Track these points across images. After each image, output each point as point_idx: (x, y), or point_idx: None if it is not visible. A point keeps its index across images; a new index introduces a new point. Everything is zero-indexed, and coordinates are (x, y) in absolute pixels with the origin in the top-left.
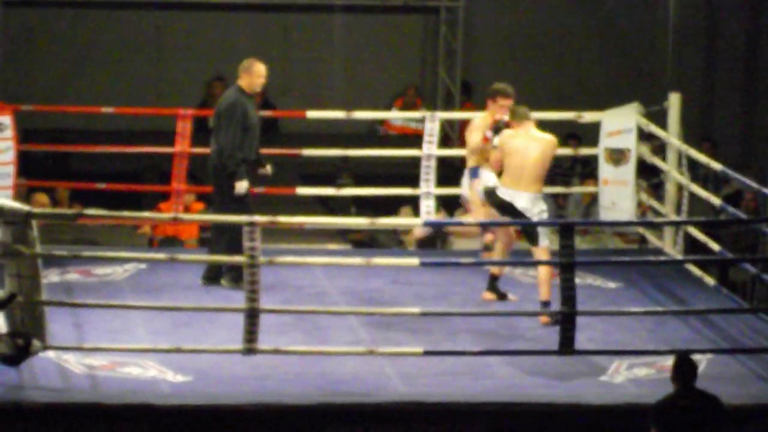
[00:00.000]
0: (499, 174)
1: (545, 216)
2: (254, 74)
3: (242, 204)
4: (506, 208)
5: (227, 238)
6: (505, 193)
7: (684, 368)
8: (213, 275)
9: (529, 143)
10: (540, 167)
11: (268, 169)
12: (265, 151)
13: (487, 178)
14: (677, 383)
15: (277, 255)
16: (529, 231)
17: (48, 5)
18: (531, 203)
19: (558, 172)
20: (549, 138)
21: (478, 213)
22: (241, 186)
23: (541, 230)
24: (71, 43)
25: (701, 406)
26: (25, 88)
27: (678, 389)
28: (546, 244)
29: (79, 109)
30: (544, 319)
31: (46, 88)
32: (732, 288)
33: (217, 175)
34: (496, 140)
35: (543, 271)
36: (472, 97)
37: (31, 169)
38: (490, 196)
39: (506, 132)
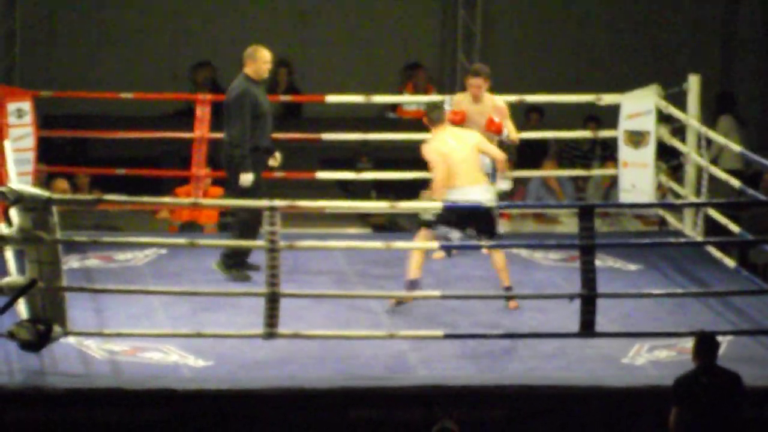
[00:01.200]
0: None
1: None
2: (259, 60)
3: (251, 195)
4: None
5: (238, 226)
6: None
7: (706, 345)
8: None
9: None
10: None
11: (277, 157)
12: (283, 135)
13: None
14: (699, 360)
15: (297, 239)
16: (485, 225)
17: None
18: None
19: (577, 154)
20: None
21: None
22: (246, 178)
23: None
24: (89, 29)
25: (722, 382)
26: (43, 74)
27: (699, 366)
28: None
29: (97, 94)
30: (513, 303)
31: (64, 74)
32: (752, 269)
33: (227, 165)
34: None
35: (501, 260)
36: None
37: (50, 155)
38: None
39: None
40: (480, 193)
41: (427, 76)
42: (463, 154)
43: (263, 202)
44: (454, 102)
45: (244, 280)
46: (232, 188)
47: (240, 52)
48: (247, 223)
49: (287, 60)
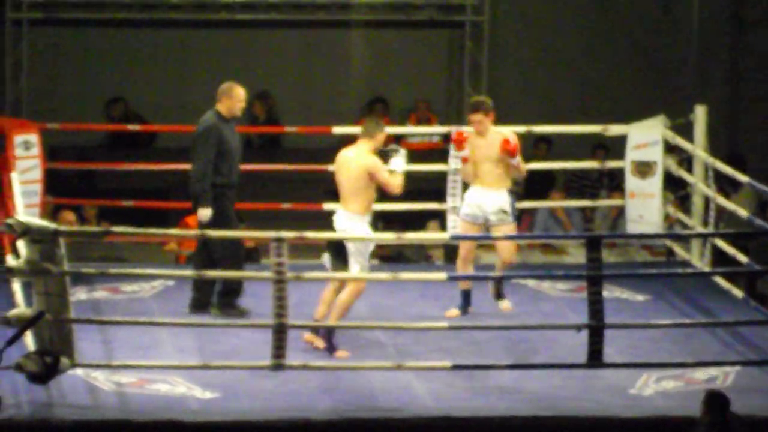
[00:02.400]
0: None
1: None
2: (234, 98)
3: (216, 229)
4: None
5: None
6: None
7: (715, 403)
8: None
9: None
10: (349, 185)
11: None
12: (293, 167)
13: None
14: (708, 417)
15: (304, 270)
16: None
17: (73, 24)
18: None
19: (586, 184)
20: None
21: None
22: (203, 213)
23: (352, 252)
24: (96, 60)
25: None
26: (51, 106)
27: (708, 424)
28: (356, 269)
29: (104, 126)
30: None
31: (71, 106)
32: (760, 300)
33: (193, 199)
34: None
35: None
36: (389, 112)
37: (58, 187)
38: None
39: None
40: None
41: (428, 108)
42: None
43: (270, 234)
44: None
45: (242, 315)
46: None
47: (248, 84)
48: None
49: (267, 92)
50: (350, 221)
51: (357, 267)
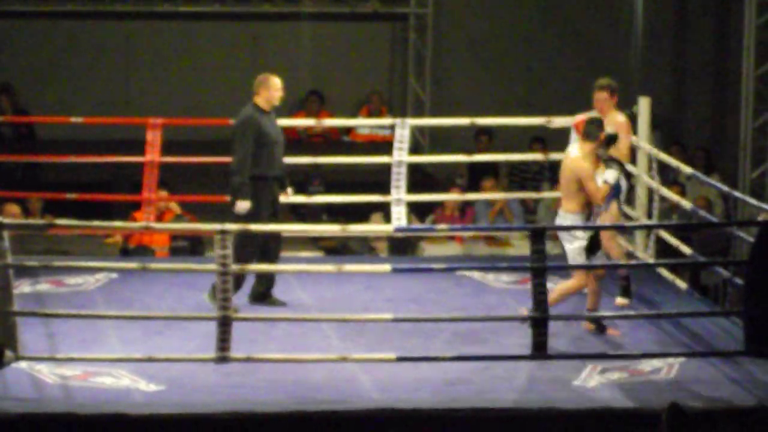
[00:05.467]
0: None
1: (569, 242)
2: (271, 88)
3: (250, 222)
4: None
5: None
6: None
7: (676, 419)
8: (259, 293)
9: (564, 163)
10: (564, 186)
11: (289, 192)
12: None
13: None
14: None
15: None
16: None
17: (16, 16)
18: (560, 222)
19: (526, 177)
20: (574, 158)
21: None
22: (242, 206)
23: (570, 253)
24: (40, 53)
25: None
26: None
27: None
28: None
29: (48, 119)
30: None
31: (15, 99)
32: (704, 291)
33: (231, 191)
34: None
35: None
36: (325, 104)
37: (1, 180)
38: None
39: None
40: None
41: (381, 100)
42: (563, 177)
43: (214, 226)
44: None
45: (279, 305)
46: (231, 215)
47: (194, 77)
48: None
49: (9, 84)
50: (563, 221)
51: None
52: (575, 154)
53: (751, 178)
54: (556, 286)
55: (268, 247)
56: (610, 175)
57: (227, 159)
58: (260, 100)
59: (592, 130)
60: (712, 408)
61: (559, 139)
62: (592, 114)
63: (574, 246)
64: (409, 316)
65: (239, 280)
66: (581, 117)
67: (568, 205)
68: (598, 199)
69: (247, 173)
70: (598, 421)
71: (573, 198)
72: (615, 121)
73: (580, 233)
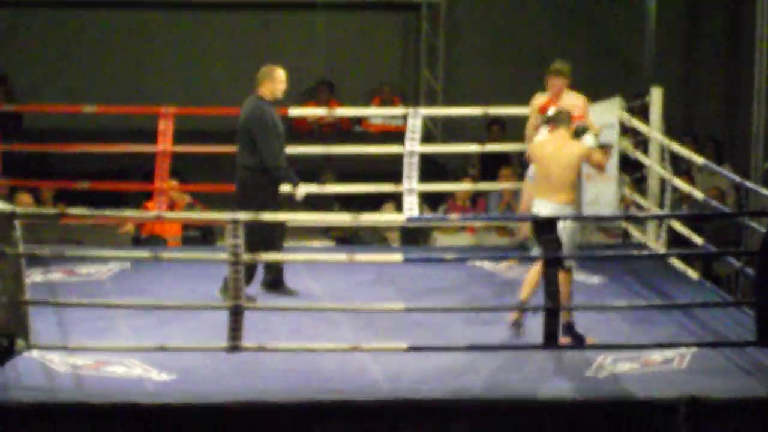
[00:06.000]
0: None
1: (566, 233)
2: (276, 80)
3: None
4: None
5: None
6: (535, 205)
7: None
8: (270, 281)
9: (553, 152)
10: (563, 176)
11: (300, 191)
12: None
13: None
14: None
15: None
16: (548, 245)
17: (27, 5)
18: (555, 213)
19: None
20: (571, 147)
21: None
22: (300, 192)
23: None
24: (51, 42)
25: None
26: (5, 87)
27: None
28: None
29: (60, 108)
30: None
31: (27, 88)
32: (715, 282)
33: (245, 188)
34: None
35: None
36: (334, 94)
37: (13, 169)
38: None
39: (536, 139)
40: (549, 210)
41: (393, 90)
42: (558, 166)
43: (226, 215)
44: (532, 108)
45: (291, 293)
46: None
47: (207, 66)
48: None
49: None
50: (562, 213)
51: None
52: (555, 145)
53: (764, 169)
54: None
55: (272, 238)
56: (590, 139)
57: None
58: (265, 92)
59: (564, 116)
60: (723, 398)
61: None
62: (546, 96)
63: (569, 235)
64: (420, 306)
65: (251, 271)
66: (540, 98)
67: (563, 196)
68: (605, 164)
69: (284, 163)
70: (610, 411)
71: (569, 188)
72: (572, 102)
73: (570, 222)
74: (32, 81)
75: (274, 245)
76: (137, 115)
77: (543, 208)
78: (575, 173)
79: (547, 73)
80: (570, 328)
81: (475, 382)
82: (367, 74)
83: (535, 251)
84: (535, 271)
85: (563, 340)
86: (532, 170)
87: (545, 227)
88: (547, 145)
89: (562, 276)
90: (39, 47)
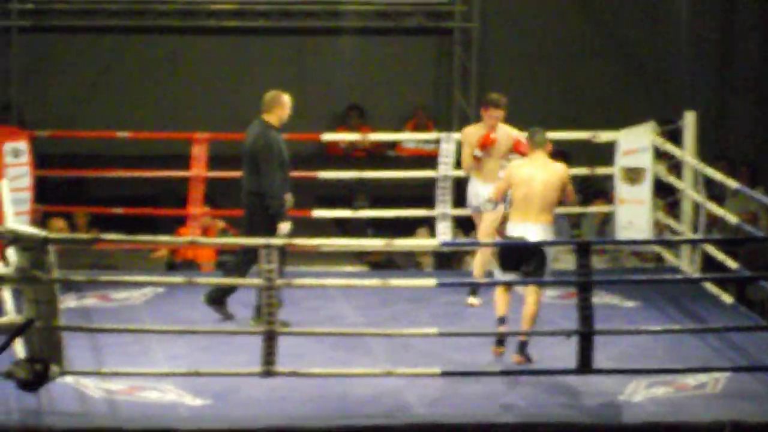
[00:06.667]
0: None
1: (551, 255)
2: (285, 106)
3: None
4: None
5: (234, 265)
6: (515, 228)
7: None
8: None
9: (536, 172)
10: (547, 197)
11: (289, 199)
12: None
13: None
14: None
15: (294, 277)
16: (534, 268)
17: (63, 30)
18: (543, 235)
19: None
20: (557, 167)
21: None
22: (286, 227)
23: (548, 270)
24: (85, 68)
25: None
26: (40, 113)
27: None
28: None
29: (94, 134)
30: (516, 358)
31: (61, 114)
32: (749, 306)
33: (253, 214)
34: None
35: (531, 309)
36: (365, 119)
37: (47, 195)
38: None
39: (514, 162)
40: (538, 232)
41: (427, 115)
42: (539, 188)
43: (260, 241)
44: (466, 138)
45: (226, 317)
46: (257, 235)
47: (240, 92)
48: (240, 264)
49: None
50: (545, 234)
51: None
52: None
53: None
54: (524, 315)
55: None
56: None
57: None
58: (272, 118)
59: (542, 137)
60: (757, 423)
61: (584, 154)
62: (480, 127)
63: (552, 256)
64: (454, 331)
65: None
66: (473, 129)
67: (547, 216)
68: (574, 198)
69: (282, 193)
70: None
71: (551, 209)
72: (509, 134)
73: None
74: (67, 107)
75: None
76: (171, 140)
77: (528, 230)
78: (558, 194)
79: (486, 104)
80: (524, 347)
81: (511, 407)
82: (399, 99)
83: (498, 275)
84: (503, 295)
85: (517, 358)
86: (468, 202)
87: (536, 252)
88: (525, 167)
89: (534, 295)
90: (73, 73)
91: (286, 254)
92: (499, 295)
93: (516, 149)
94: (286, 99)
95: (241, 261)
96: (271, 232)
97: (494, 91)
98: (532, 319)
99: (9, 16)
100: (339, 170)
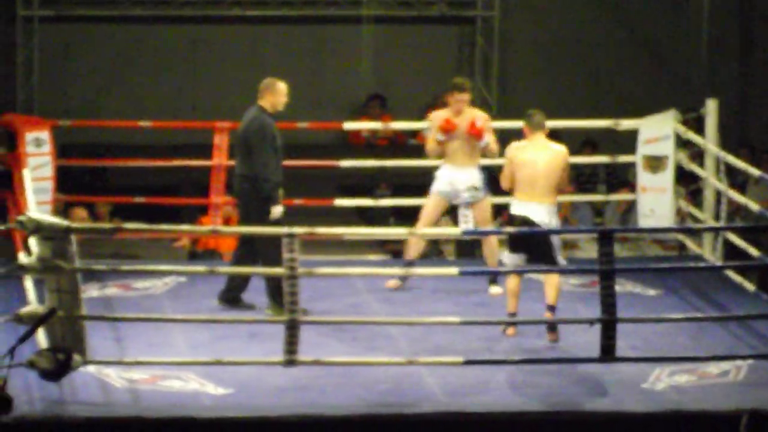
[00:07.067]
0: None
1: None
2: (278, 93)
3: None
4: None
5: (262, 258)
6: (519, 208)
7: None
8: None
9: (539, 154)
10: (551, 178)
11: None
12: (301, 162)
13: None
14: None
15: (316, 266)
16: (543, 250)
17: (83, 20)
18: (548, 216)
19: (583, 180)
20: (559, 148)
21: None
22: (278, 210)
23: (556, 247)
24: (107, 57)
25: None
26: (61, 103)
27: None
28: (563, 262)
29: (116, 123)
30: (550, 336)
31: (82, 103)
32: None
33: (247, 199)
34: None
35: (556, 279)
36: (387, 109)
37: (69, 184)
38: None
39: (514, 144)
40: (543, 213)
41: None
42: (543, 170)
43: (282, 230)
44: (431, 123)
45: (246, 309)
46: (251, 220)
47: (259, 80)
48: (269, 256)
49: None
50: (551, 215)
51: (561, 260)
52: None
53: None
54: (547, 289)
55: (273, 251)
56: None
57: (293, 162)
58: (267, 104)
59: (541, 119)
60: None
61: (610, 143)
62: (447, 111)
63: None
64: (476, 319)
65: (247, 280)
66: (440, 114)
67: (552, 197)
68: (568, 184)
69: (275, 178)
70: (668, 424)
71: (555, 190)
72: (476, 114)
73: (555, 224)
74: (88, 96)
75: (271, 259)
76: (192, 129)
77: (534, 211)
78: (562, 175)
79: (452, 89)
80: (554, 325)
81: (533, 395)
82: (421, 88)
83: (507, 258)
84: (515, 281)
85: (551, 336)
86: (437, 186)
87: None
88: (528, 149)
89: (553, 278)
90: (95, 63)
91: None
92: (512, 282)
93: (469, 131)
94: (281, 86)
95: (246, 252)
96: (266, 217)
97: (514, 80)
98: (557, 288)
99: (31, 5)
100: (361, 159)
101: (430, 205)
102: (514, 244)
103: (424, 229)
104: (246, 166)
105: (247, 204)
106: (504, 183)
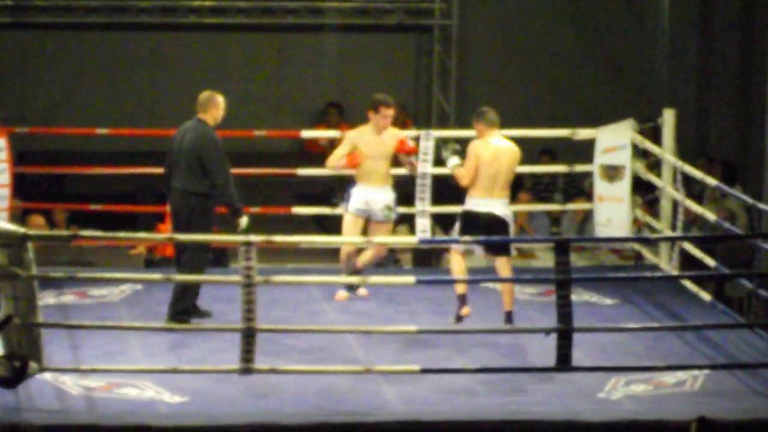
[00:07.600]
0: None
1: (512, 224)
2: (219, 107)
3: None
4: (473, 221)
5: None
6: (481, 204)
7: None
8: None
9: (501, 151)
10: (510, 174)
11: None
12: (259, 171)
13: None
14: None
15: (273, 274)
16: (503, 245)
17: (41, 27)
18: (508, 209)
19: (540, 188)
20: (513, 145)
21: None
22: (244, 221)
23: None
24: (65, 65)
25: None
26: (19, 110)
27: None
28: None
29: (73, 130)
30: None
31: (40, 111)
32: (728, 303)
33: (190, 214)
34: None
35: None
36: (344, 117)
37: (26, 191)
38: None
39: (476, 142)
40: (502, 207)
41: (405, 113)
42: (505, 166)
43: (239, 237)
44: (348, 137)
45: (203, 317)
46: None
47: (219, 88)
48: (198, 263)
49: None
50: (506, 208)
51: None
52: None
53: None
54: (503, 289)
55: (204, 262)
56: (456, 159)
57: (250, 170)
58: (209, 118)
59: (496, 116)
60: (735, 420)
61: (568, 152)
62: (368, 128)
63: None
64: (433, 328)
65: (196, 288)
66: (358, 131)
67: (507, 192)
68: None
69: (234, 189)
70: None
71: (509, 185)
72: (395, 133)
73: (511, 217)
74: (45, 103)
75: (195, 266)
76: (150, 137)
77: (494, 205)
78: (513, 171)
79: (376, 104)
80: (510, 317)
81: (489, 404)
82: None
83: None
84: (458, 260)
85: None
86: (353, 204)
87: (501, 225)
88: (490, 147)
89: (507, 268)
90: (52, 70)
91: (227, 256)
92: (456, 259)
93: (400, 149)
94: (221, 100)
95: (196, 261)
96: (208, 231)
97: (472, 88)
98: (512, 291)
99: None
100: (318, 167)
101: (349, 224)
102: (467, 231)
103: (383, 238)
104: (194, 182)
105: (189, 219)
106: (465, 179)
